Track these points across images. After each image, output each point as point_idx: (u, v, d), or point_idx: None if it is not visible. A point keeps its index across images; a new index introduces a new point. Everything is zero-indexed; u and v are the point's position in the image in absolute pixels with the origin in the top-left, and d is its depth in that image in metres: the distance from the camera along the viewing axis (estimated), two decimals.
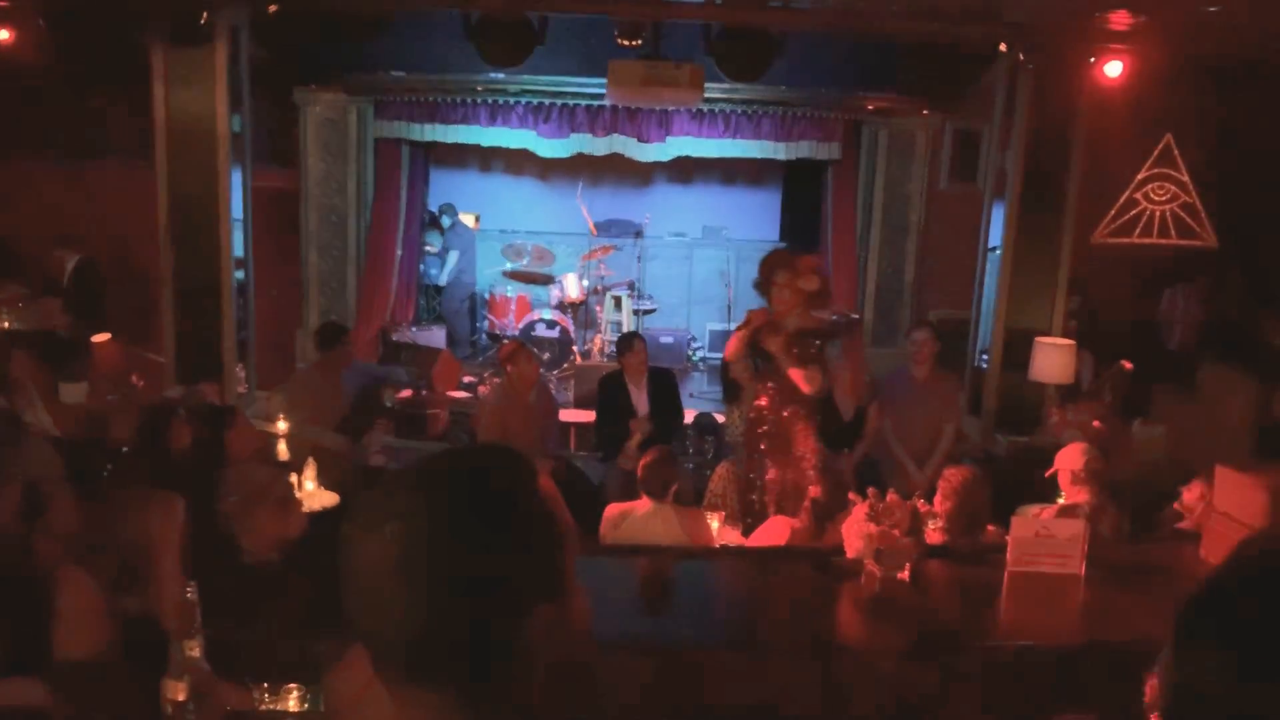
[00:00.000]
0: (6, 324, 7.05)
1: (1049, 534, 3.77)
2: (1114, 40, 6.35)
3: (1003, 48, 6.80)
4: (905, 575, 3.63)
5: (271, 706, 2.46)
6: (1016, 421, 6.91)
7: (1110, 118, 6.78)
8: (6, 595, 1.33)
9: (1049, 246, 6.90)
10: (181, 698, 1.97)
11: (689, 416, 7.15)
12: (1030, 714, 2.90)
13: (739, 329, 5.15)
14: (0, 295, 6.93)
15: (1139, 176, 7.32)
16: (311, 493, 4.55)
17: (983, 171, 8.56)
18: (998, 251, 7.10)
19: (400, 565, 0.93)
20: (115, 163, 7.36)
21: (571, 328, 9.53)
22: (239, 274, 6.92)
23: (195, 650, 2.11)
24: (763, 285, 5.09)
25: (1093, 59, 6.44)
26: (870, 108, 9.26)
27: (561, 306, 9.80)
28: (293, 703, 2.48)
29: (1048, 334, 6.76)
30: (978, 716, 3.01)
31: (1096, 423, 5.89)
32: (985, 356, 7.26)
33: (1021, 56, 6.69)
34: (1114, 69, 6.40)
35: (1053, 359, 6.46)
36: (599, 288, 9.97)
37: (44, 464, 2.88)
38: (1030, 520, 3.91)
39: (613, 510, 4.47)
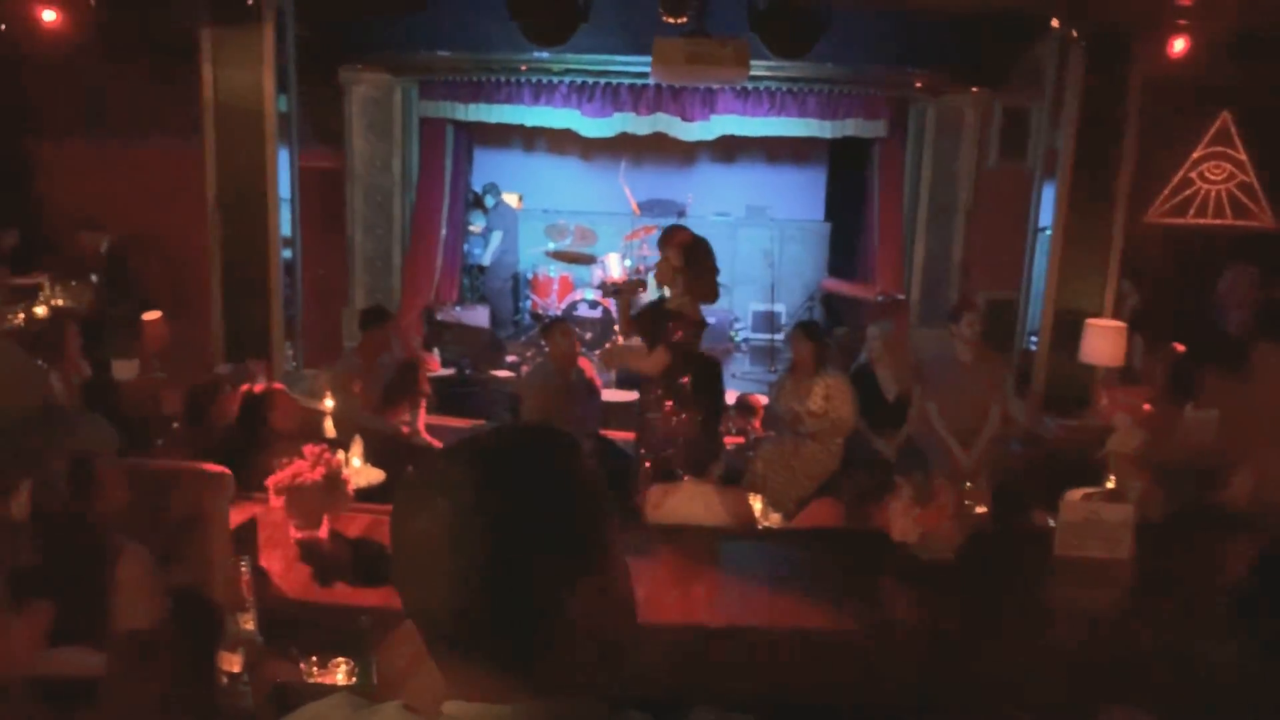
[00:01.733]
0: (60, 301, 7.19)
1: (1098, 518, 3.71)
2: (1173, 15, 6.20)
3: (1055, 23, 6.66)
4: (950, 558, 3.59)
5: (320, 679, 2.49)
6: (1065, 404, 6.82)
7: (1165, 95, 6.63)
8: (63, 566, 1.36)
9: (1100, 227, 6.78)
10: (236, 669, 2.01)
11: (731, 397, 7.13)
12: (1078, 704, 2.86)
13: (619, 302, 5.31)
14: (29, 281, 7.03)
15: (1194, 155, 7.17)
16: (358, 470, 4.59)
17: (1032, 150, 8.41)
18: (1047, 231, 6.99)
19: (447, 541, 0.94)
20: (163, 143, 7.45)
21: (614, 308, 9.53)
22: (286, 253, 6.99)
23: (249, 623, 2.15)
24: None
25: (1149, 34, 6.30)
26: (918, 85, 9.13)
27: (604, 287, 9.81)
28: (341, 676, 2.52)
29: (1098, 315, 6.65)
30: (1020, 703, 2.98)
31: (1147, 406, 5.79)
32: (1034, 338, 7.17)
33: (1074, 32, 6.56)
34: (1174, 45, 6.25)
35: (1103, 341, 6.36)
36: (641, 267, 9.95)
37: (98, 439, 2.92)
38: (1078, 504, 3.85)
39: (655, 490, 4.47)
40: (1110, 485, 4.44)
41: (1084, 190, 6.76)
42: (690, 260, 4.91)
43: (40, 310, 6.96)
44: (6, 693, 0.96)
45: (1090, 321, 6.52)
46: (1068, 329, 6.68)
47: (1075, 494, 4.30)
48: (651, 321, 5.06)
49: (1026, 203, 7.46)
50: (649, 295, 9.78)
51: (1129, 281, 7.24)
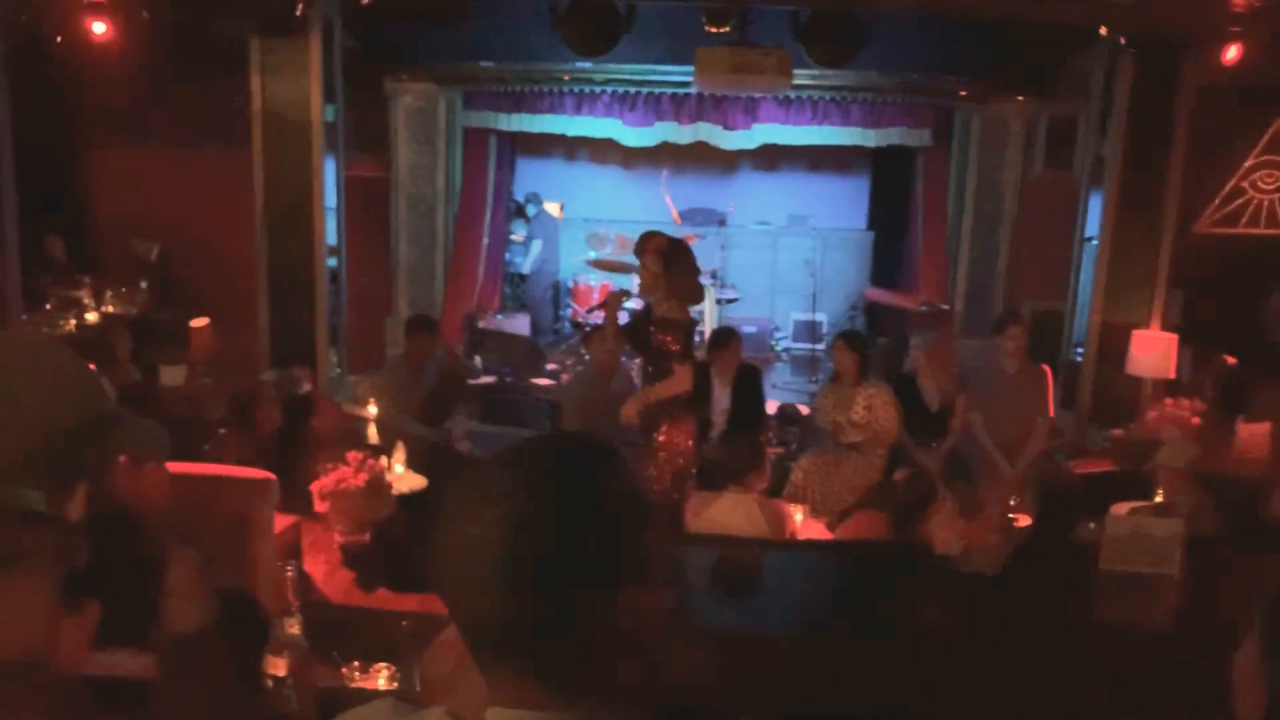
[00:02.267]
0: (110, 308, 7.33)
1: (1145, 533, 3.65)
2: (1226, 21, 6.10)
3: (1103, 30, 6.58)
4: (994, 572, 3.55)
5: (362, 684, 2.51)
6: (1112, 416, 6.71)
7: (1216, 102, 6.52)
8: (114, 568, 1.38)
9: (1148, 237, 6.68)
10: (281, 673, 2.04)
11: (771, 407, 7.10)
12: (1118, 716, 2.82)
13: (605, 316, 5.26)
14: (75, 294, 7.16)
15: (1246, 164, 7.04)
16: (400, 476, 4.63)
17: (1079, 159, 8.31)
18: (1094, 241, 6.90)
19: (492, 549, 0.95)
20: (212, 152, 7.57)
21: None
22: (332, 261, 7.07)
23: (294, 627, 2.17)
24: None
25: (1200, 40, 6.20)
26: (962, 93, 9.06)
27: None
28: (382, 681, 2.54)
29: (1146, 327, 6.55)
30: (1062, 714, 2.94)
31: (1196, 419, 5.69)
32: (1079, 349, 7.07)
33: (1123, 39, 6.47)
34: (1226, 52, 6.14)
35: (1151, 352, 6.26)
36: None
37: (150, 443, 2.97)
38: (1125, 518, 3.80)
39: (695, 499, 4.47)
40: (1159, 499, 4.37)
41: (1132, 199, 6.67)
42: (669, 264, 4.91)
43: (91, 316, 7.09)
44: (56, 693, 0.98)
45: (1138, 333, 6.42)
46: (1115, 340, 6.58)
47: (1122, 508, 4.23)
48: (640, 330, 5.05)
49: (1072, 212, 7.36)
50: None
51: (1178, 292, 7.12)
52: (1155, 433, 5.78)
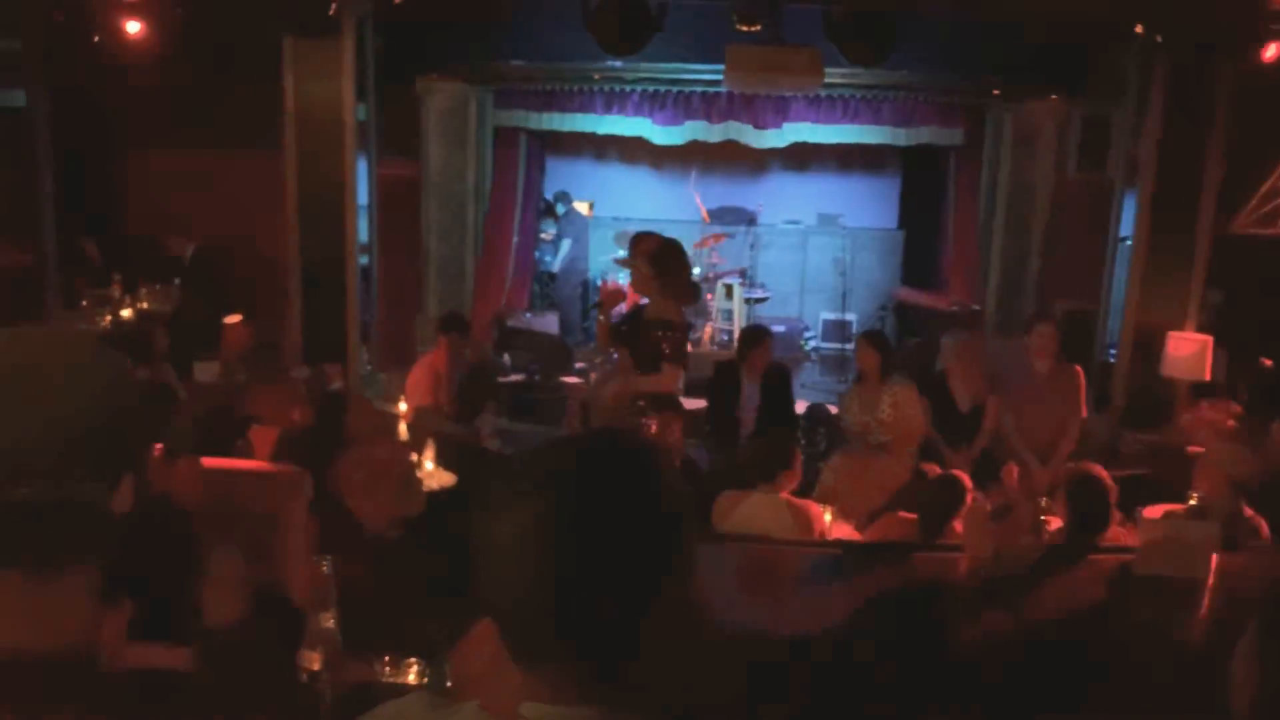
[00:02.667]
0: (145, 304, 7.41)
1: (1178, 536, 3.61)
2: (1263, 18, 6.02)
3: (1138, 29, 6.51)
4: (1025, 574, 3.53)
5: (393, 679, 2.53)
6: (1146, 418, 6.64)
7: (1254, 101, 6.43)
8: (154, 561, 1.40)
9: (1184, 237, 6.61)
10: (317, 667, 2.06)
11: (800, 407, 7.08)
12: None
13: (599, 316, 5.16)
14: (106, 291, 7.24)
15: None
16: (430, 472, 4.66)
17: (1113, 158, 8.23)
18: (1128, 242, 6.83)
19: (530, 545, 0.96)
20: (246, 152, 7.65)
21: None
22: (363, 259, 7.13)
23: (329, 621, 2.20)
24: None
25: (1237, 39, 6.12)
26: (995, 92, 8.99)
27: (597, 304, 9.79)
28: (413, 676, 2.55)
29: (1181, 328, 6.48)
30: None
31: (1231, 421, 5.62)
32: (1113, 350, 7.00)
33: (1159, 38, 6.40)
34: (1265, 50, 6.06)
35: (1186, 354, 6.19)
36: (710, 275, 9.94)
37: (178, 437, 3.02)
38: (1158, 522, 3.76)
39: (724, 499, 4.46)
40: (1193, 502, 4.32)
41: (1167, 199, 6.60)
42: (661, 266, 4.87)
43: (126, 313, 7.18)
44: (100, 687, 1.00)
45: (1173, 334, 6.35)
46: (1149, 341, 6.51)
47: (1155, 510, 4.19)
48: (631, 332, 5.00)
49: (1106, 212, 7.30)
50: (718, 303, 9.81)
51: (1214, 292, 7.04)
52: (1190, 435, 5.72)
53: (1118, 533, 4.05)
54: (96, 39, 6.72)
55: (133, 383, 1.12)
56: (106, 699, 0.98)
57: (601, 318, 5.17)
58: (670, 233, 10.37)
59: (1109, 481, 4.08)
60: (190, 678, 1.44)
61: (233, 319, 6.43)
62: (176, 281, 7.70)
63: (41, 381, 0.99)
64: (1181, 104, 6.46)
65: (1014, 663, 3.11)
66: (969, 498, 3.92)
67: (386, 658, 2.60)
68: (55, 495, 0.98)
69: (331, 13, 6.44)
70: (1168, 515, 4.07)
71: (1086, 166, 8.98)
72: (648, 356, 4.90)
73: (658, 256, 4.89)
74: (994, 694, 2.95)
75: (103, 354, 1.07)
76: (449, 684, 2.32)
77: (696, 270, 9.80)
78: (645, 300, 5.13)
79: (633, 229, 10.22)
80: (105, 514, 1.03)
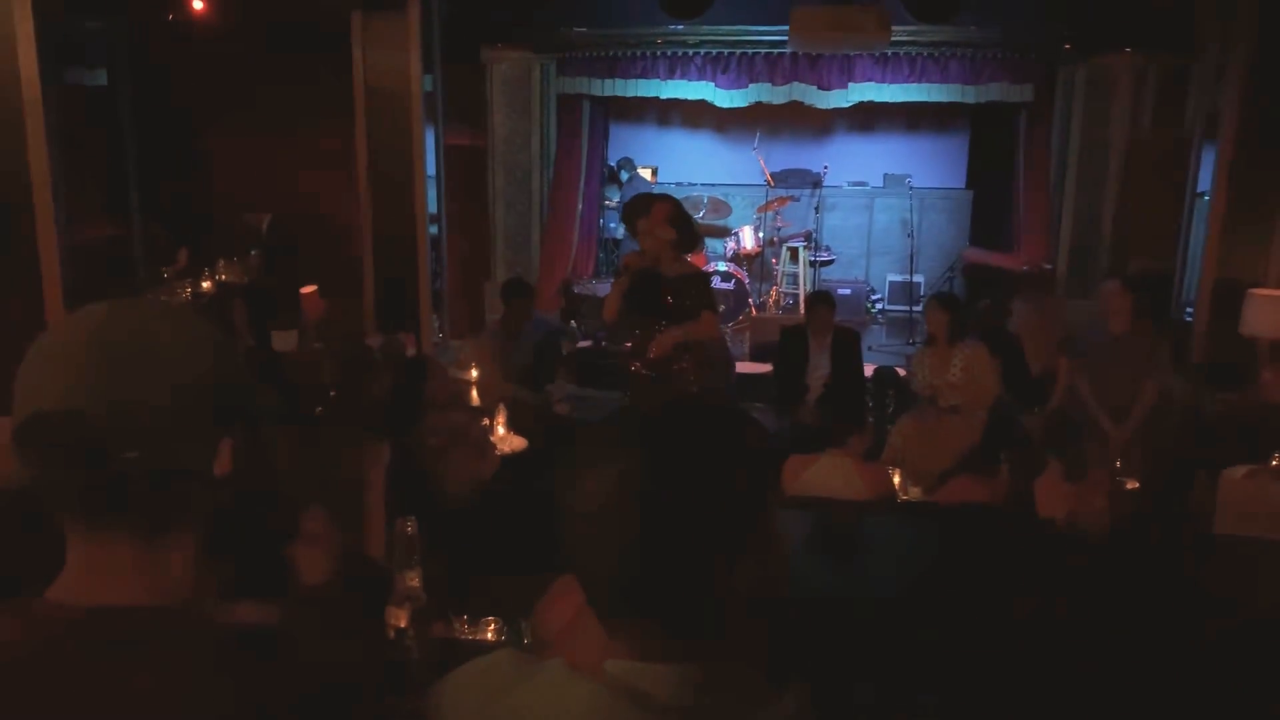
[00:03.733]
0: (223, 276, 7.61)
1: (1263, 495, 3.54)
2: None
3: None
4: (1101, 538, 3.49)
5: (471, 637, 2.61)
6: (1226, 378, 6.48)
7: None
8: (249, 522, 1.47)
9: (1266, 191, 6.40)
10: (403, 624, 2.14)
11: (868, 370, 7.04)
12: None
13: (615, 283, 5.07)
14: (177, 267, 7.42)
15: None
16: (503, 437, 4.74)
17: (1191, 112, 7.97)
18: (1206, 197, 6.64)
19: (616, 505, 0.98)
20: (318, 126, 7.77)
21: (747, 280, 9.50)
22: (433, 229, 7.23)
23: (414, 580, 2.27)
24: (631, 232, 5.01)
25: None
26: (1067, 46, 8.75)
27: (737, 259, 9.77)
28: (491, 634, 2.63)
29: (1262, 285, 6.30)
30: (1173, 695, 2.88)
31: None
32: (1190, 310, 6.84)
33: None
34: None
35: (1268, 312, 6.02)
36: (775, 239, 9.88)
37: (265, 405, 3.11)
38: (1241, 481, 3.69)
39: (793, 462, 4.47)
40: (1275, 463, 4.22)
41: (1249, 152, 6.39)
42: (681, 225, 4.89)
43: (206, 285, 7.38)
44: (206, 640, 1.06)
45: (1253, 291, 6.18)
46: (1228, 299, 6.34)
47: (1237, 471, 4.11)
48: (648, 296, 4.94)
49: (1183, 169, 7.11)
50: (783, 266, 9.76)
51: None
52: (1272, 394, 5.58)
53: (1201, 494, 3.98)
54: (171, 17, 6.88)
55: (235, 351, 1.17)
56: (212, 652, 1.02)
57: (621, 283, 4.99)
58: (734, 197, 10.42)
59: (1189, 442, 4.01)
60: (280, 634, 1.50)
61: (309, 289, 6.58)
62: (254, 253, 7.89)
63: (153, 349, 1.03)
64: (1265, 52, 6.24)
65: (1090, 627, 3.09)
66: (1044, 460, 3.88)
67: (465, 616, 2.68)
68: (162, 459, 1.02)
69: None
70: (1250, 475, 3.99)
71: (1162, 121, 8.71)
72: (683, 310, 4.91)
73: (677, 217, 4.91)
74: (1069, 657, 2.94)
75: (197, 321, 1.11)
76: (526, 641, 2.39)
77: (761, 235, 9.78)
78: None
79: (697, 194, 10.23)
80: (208, 476, 1.08)
